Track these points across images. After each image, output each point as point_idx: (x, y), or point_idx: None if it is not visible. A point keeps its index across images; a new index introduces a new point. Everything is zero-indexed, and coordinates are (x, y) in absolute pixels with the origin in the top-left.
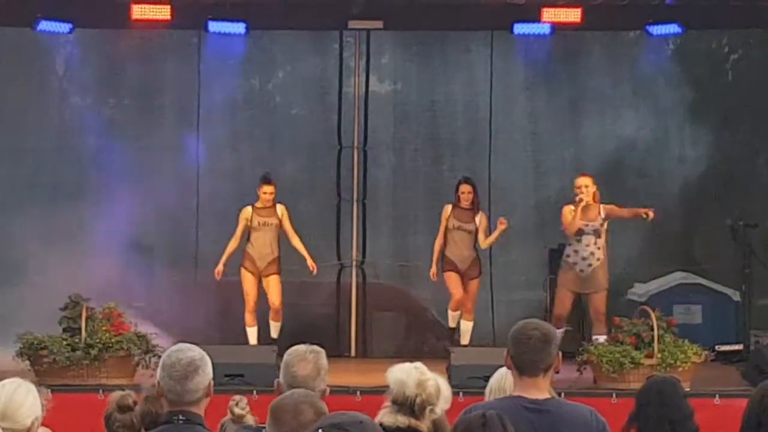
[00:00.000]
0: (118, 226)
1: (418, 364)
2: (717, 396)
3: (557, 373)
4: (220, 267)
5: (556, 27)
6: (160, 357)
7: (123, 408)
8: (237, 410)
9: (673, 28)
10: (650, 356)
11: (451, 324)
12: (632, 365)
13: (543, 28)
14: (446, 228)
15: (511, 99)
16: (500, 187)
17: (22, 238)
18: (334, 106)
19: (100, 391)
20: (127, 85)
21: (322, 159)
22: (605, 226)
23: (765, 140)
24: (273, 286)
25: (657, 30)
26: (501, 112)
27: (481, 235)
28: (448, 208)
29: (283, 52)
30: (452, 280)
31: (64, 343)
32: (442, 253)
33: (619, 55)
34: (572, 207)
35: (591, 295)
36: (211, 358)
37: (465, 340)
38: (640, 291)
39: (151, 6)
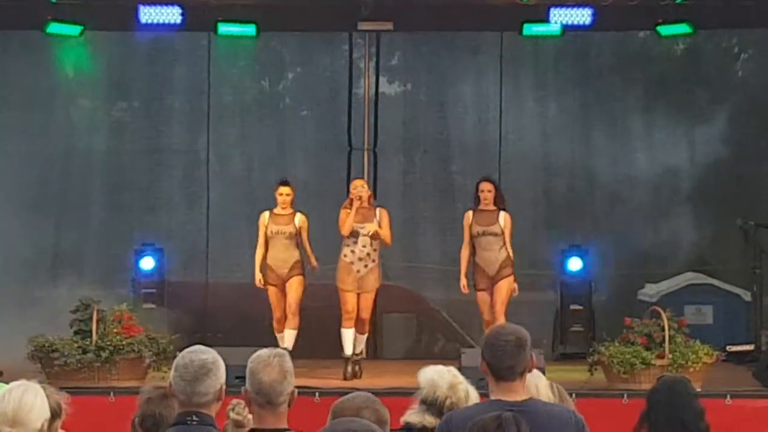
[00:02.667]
0: (128, 228)
1: (452, 367)
2: (728, 396)
3: (529, 372)
4: (258, 275)
5: (566, 28)
6: (170, 359)
7: None
8: (233, 415)
9: (683, 28)
10: (661, 357)
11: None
12: (643, 366)
13: (553, 29)
14: (471, 235)
15: (521, 100)
16: (510, 189)
17: (30, 240)
18: (343, 108)
19: (111, 393)
20: (137, 87)
21: (332, 160)
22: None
23: None
24: (292, 287)
25: (667, 30)
26: (510, 113)
27: (507, 239)
28: (469, 214)
29: (293, 54)
30: (482, 302)
31: (75, 345)
32: (472, 261)
33: (628, 56)
34: (348, 208)
35: (361, 295)
36: (222, 359)
37: None
38: (651, 291)
39: (161, 8)
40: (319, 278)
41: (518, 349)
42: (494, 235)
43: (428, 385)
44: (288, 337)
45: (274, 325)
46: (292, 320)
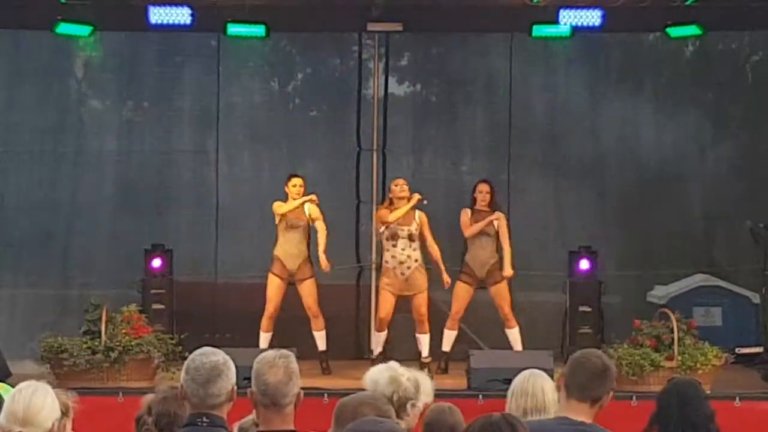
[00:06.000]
0: (137, 229)
1: (392, 363)
2: (737, 398)
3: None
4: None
5: (576, 29)
6: (179, 360)
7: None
8: None
9: (692, 30)
10: (670, 359)
11: (445, 347)
12: (652, 368)
13: (562, 30)
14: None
15: (531, 101)
16: (519, 190)
17: (40, 240)
18: (353, 109)
19: (120, 394)
20: (146, 87)
21: (341, 161)
22: (419, 230)
23: None
24: (306, 292)
25: (676, 32)
26: (520, 114)
27: (502, 238)
28: (468, 211)
29: (303, 55)
30: (459, 291)
31: (84, 346)
32: (462, 258)
33: (638, 57)
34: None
35: (413, 297)
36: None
37: (518, 346)
38: (660, 293)
39: (171, 9)
40: (332, 278)
41: (598, 374)
42: (488, 236)
43: (371, 387)
44: (319, 339)
45: (263, 321)
46: (316, 322)
